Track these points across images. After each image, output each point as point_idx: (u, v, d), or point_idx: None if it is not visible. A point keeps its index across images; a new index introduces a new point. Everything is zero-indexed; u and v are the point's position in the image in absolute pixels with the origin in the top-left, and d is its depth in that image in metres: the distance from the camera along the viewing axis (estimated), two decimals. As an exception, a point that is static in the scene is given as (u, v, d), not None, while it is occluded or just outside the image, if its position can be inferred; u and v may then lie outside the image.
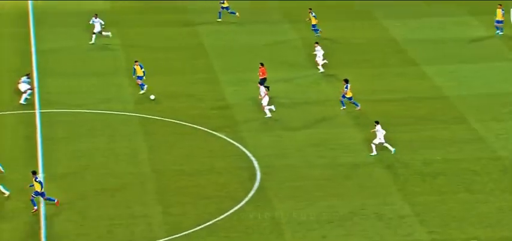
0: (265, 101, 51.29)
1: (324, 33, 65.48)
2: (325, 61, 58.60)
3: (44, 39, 64.25)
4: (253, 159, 46.95)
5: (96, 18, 62.30)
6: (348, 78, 52.54)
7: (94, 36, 62.31)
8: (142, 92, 53.92)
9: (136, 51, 62.09)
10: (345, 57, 62.15)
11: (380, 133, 46.74)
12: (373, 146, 46.77)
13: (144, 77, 54.44)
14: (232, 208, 42.05)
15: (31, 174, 41.81)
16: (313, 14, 64.64)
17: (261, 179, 44.79)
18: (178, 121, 51.27)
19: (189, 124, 50.96)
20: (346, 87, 51.93)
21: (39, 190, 41.40)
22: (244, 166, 46.20)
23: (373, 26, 68.53)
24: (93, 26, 62.40)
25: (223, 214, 41.48)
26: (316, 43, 59.04)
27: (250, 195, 43.34)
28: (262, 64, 54.59)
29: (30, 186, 41.61)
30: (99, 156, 47.12)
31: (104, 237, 39.69)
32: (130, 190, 43.73)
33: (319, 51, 58.38)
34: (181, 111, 52.66)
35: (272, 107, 51.60)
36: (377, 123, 47.03)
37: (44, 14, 68.87)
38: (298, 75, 58.42)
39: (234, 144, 48.59)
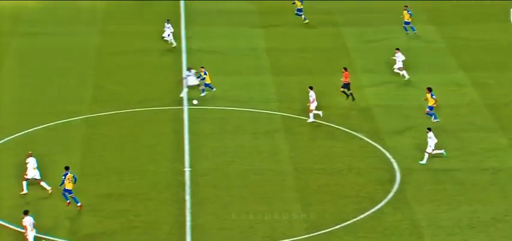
0: (313, 105, 49.85)
1: (464, 34, 63.60)
2: (403, 72, 56.20)
3: (193, 38, 64.79)
4: (392, 160, 45.87)
5: (167, 23, 61.88)
6: (431, 87, 50.17)
7: (169, 39, 61.56)
8: (203, 94, 53.31)
9: (279, 51, 61.88)
10: (488, 59, 60.04)
11: (432, 141, 44.83)
12: (426, 155, 45.03)
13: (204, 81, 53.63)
14: (371, 208, 41.22)
15: (64, 169, 41.39)
16: (409, 12, 62.97)
17: (401, 181, 43.74)
18: (318, 121, 50.62)
19: (329, 124, 50.26)
20: (432, 96, 49.40)
21: (66, 187, 41.11)
22: (383, 168, 45.21)
23: (516, 28, 66.16)
24: (164, 32, 61.79)
25: (362, 214, 40.73)
26: (397, 49, 56.94)
27: (389, 196, 42.36)
28: (345, 68, 53.15)
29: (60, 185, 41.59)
30: (243, 152, 47.03)
31: (246, 232, 39.52)
32: (272, 187, 43.46)
33: (399, 57, 56.31)
34: (321, 110, 51.94)
35: (320, 113, 50.12)
36: (429, 130, 45.13)
37: (193, 14, 69.50)
38: (440, 78, 56.77)
39: (373, 145, 47.61)
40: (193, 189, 43.06)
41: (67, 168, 41.42)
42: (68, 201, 41.39)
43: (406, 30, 63.95)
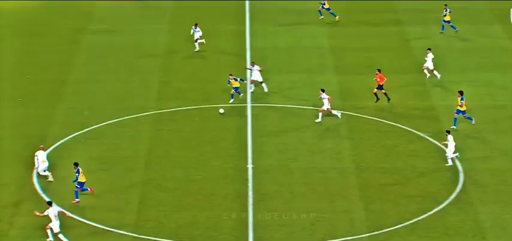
0: (326, 106, 48.67)
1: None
2: (425, 71, 54.75)
3: (257, 36, 64.24)
4: (456, 160, 44.48)
5: (196, 27, 60.81)
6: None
7: (197, 43, 60.51)
8: (231, 101, 51.46)
9: (343, 50, 60.96)
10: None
11: (451, 144, 43.38)
12: (449, 159, 43.60)
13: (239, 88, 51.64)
14: (434, 208, 40.12)
15: (74, 166, 41.24)
16: (449, 10, 61.93)
17: (464, 181, 42.46)
18: (382, 120, 49.53)
19: (393, 123, 49.13)
20: (462, 100, 47.42)
21: (79, 180, 40.87)
22: (447, 168, 43.91)
23: None
24: (193, 35, 60.33)
25: (424, 214, 39.66)
26: (429, 49, 55.18)
27: (452, 196, 41.19)
28: (379, 70, 51.65)
29: (74, 181, 41.22)
30: (305, 150, 46.27)
31: (308, 229, 38.78)
32: (334, 185, 42.63)
33: (429, 58, 54.58)
34: (385, 109, 50.90)
35: (338, 114, 48.91)
36: (448, 132, 43.69)
37: (258, 12, 68.96)
38: (507, 78, 55.13)
39: (437, 145, 46.30)
40: (255, 185, 42.46)
41: (76, 164, 41.33)
42: (77, 200, 41.04)
43: (455, 28, 62.58)
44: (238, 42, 62.90)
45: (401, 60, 58.82)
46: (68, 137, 47.43)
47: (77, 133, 48.02)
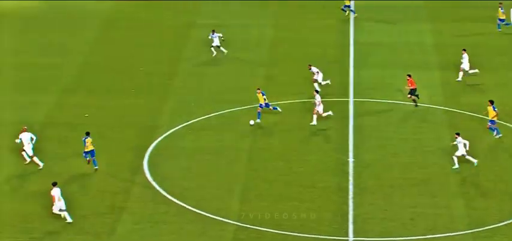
0: (319, 108, 46.75)
1: None
2: (475, 70, 52.16)
3: (361, 32, 63.28)
4: (561, 160, 42.76)
5: (213, 33, 59.23)
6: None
7: (213, 49, 58.40)
8: (258, 120, 47.88)
9: (446, 47, 59.39)
10: None
11: (461, 145, 41.16)
12: (455, 159, 41.52)
13: (263, 105, 48.36)
14: (536, 207, 38.44)
15: (85, 134, 42.44)
16: (502, 9, 59.99)
17: None
18: (485, 117, 47.84)
19: (497, 120, 47.27)
20: (494, 109, 44.76)
21: (86, 150, 42.24)
22: (546, 167, 42.25)
23: None
24: (212, 40, 58.56)
25: (527, 212, 38.06)
26: (464, 50, 52.63)
27: (554, 195, 39.39)
28: (409, 75, 49.45)
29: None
30: (406, 145, 45.24)
31: (407, 224, 37.88)
32: (434, 180, 41.56)
33: (465, 59, 51.93)
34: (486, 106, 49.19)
35: (330, 113, 47.20)
36: (458, 134, 41.58)
37: (363, 8, 67.91)
38: None
39: (542, 143, 44.54)
40: (356, 179, 41.74)
41: (88, 134, 42.49)
42: (88, 159, 42.45)
43: (499, 27, 60.90)
44: (342, 38, 62.11)
45: (504, 57, 56.92)
46: (176, 128, 47.74)
47: (184, 124, 48.27)
